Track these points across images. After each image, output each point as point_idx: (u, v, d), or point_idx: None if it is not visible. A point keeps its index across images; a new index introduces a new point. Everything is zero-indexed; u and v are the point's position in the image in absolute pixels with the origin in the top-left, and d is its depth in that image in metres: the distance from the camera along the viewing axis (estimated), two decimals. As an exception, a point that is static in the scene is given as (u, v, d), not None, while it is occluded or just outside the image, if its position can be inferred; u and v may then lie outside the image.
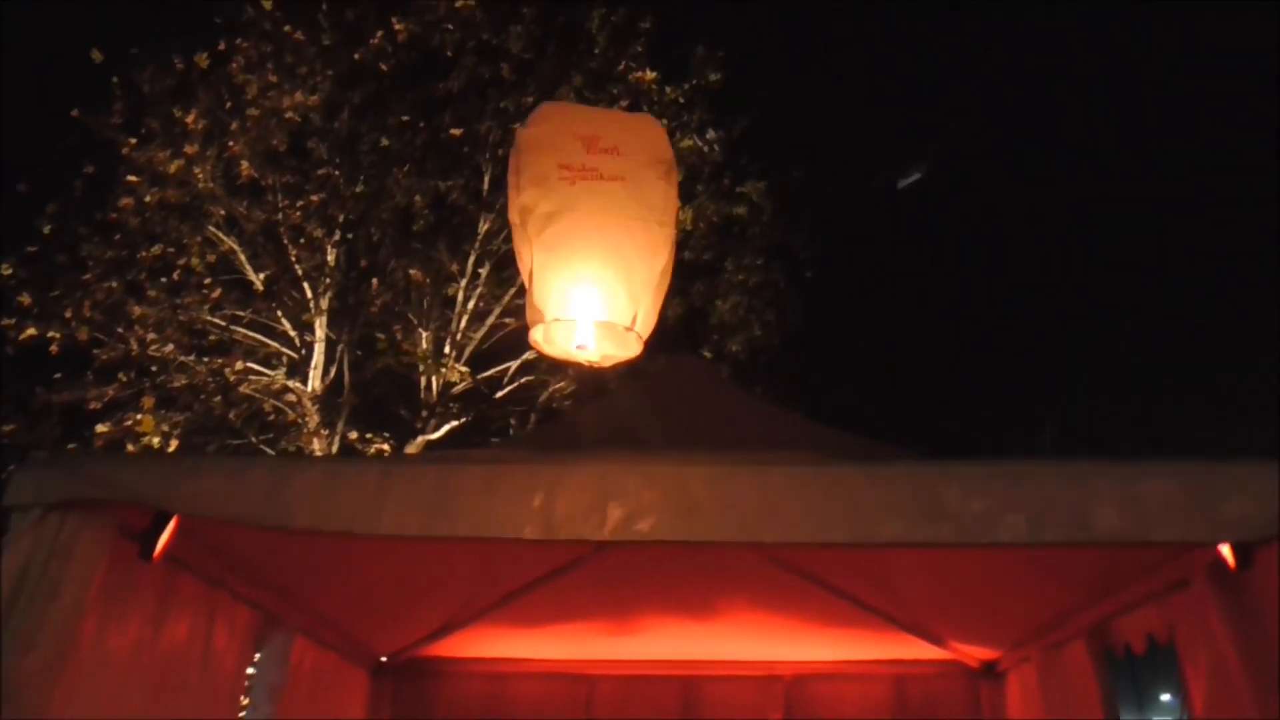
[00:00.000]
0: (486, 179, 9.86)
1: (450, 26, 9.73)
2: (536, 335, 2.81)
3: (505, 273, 10.00)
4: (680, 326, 10.00)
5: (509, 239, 9.82)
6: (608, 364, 2.88)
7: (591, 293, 2.68)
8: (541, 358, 9.97)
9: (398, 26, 9.77)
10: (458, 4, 9.75)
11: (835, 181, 10.59)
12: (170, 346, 9.10)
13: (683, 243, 10.08)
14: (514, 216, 2.76)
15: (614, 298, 2.68)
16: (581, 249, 2.65)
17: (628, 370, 9.70)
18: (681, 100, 10.31)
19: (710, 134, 10.13)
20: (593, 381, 9.41)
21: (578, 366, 2.95)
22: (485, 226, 9.86)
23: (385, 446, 9.60)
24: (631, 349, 2.83)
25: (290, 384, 9.40)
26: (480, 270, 9.93)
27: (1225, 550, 2.37)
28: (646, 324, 2.77)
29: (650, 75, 10.16)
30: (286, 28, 9.57)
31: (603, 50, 10.01)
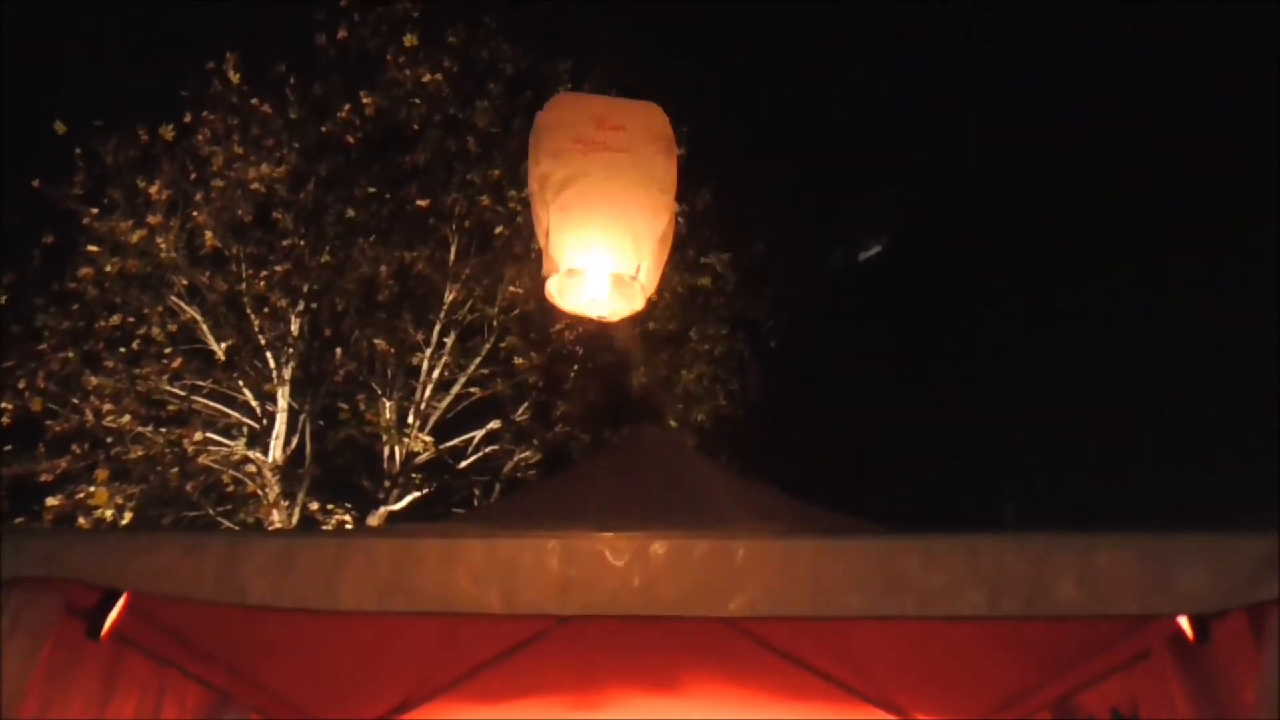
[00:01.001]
0: (452, 249, 9.91)
1: (417, 100, 9.86)
2: (551, 287, 3.18)
3: (470, 342, 10.01)
4: (645, 396, 10.02)
5: (474, 309, 9.97)
6: (614, 319, 3.23)
7: (601, 247, 3.03)
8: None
9: (365, 100, 9.88)
10: (425, 79, 9.90)
11: (796, 254, 10.75)
12: (127, 417, 8.95)
13: (648, 313, 10.16)
14: (533, 185, 3.13)
15: (621, 251, 3.03)
16: (593, 209, 3.01)
17: (592, 440, 9.69)
18: (646, 173, 10.46)
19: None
20: (556, 454, 9.39)
21: (587, 322, 3.46)
22: (451, 296, 9.87)
23: (347, 517, 9.46)
24: (636, 302, 3.18)
25: (250, 454, 9.27)
26: (445, 339, 9.93)
27: (1183, 623, 2.39)
28: (650, 278, 3.12)
29: (615, 149, 10.30)
30: (254, 101, 9.65)
31: (569, 124, 10.17)
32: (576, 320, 9.95)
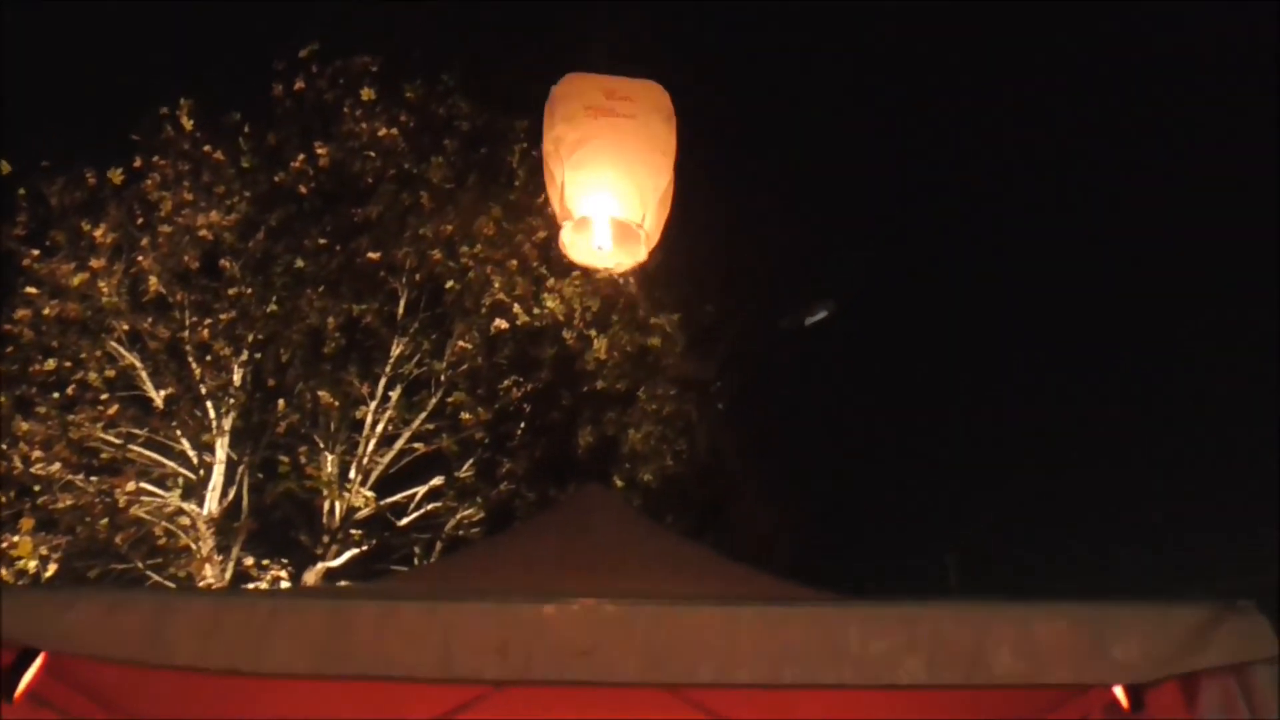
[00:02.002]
0: (402, 303, 9.86)
1: (372, 154, 9.88)
2: (565, 238, 3.53)
3: (416, 396, 9.91)
4: (592, 455, 9.98)
5: (421, 363, 9.90)
6: (619, 270, 3.70)
7: (610, 197, 3.41)
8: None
9: (320, 151, 9.88)
10: (381, 133, 9.94)
11: (747, 317, 10.87)
12: (57, 465, 8.66)
13: (596, 372, 10.17)
14: (548, 146, 3.48)
15: (627, 201, 3.41)
16: (603, 166, 3.39)
17: (537, 499, 9.60)
18: (599, 233, 10.55)
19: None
20: (500, 512, 9.29)
21: (593, 271, 3.75)
22: (398, 350, 9.80)
23: (283, 573, 9.22)
24: (639, 254, 3.54)
25: (185, 506, 9.03)
26: (391, 393, 9.82)
27: (1119, 692, 2.41)
28: (653, 229, 3.47)
29: (569, 207, 10.39)
30: (206, 148, 9.59)
31: (523, 183, 10.24)
32: (521, 377, 9.97)
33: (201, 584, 8.62)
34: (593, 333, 10.24)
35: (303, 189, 9.81)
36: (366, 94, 9.98)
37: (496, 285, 9.85)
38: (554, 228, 10.50)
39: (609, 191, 3.40)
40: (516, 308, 9.93)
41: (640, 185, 3.41)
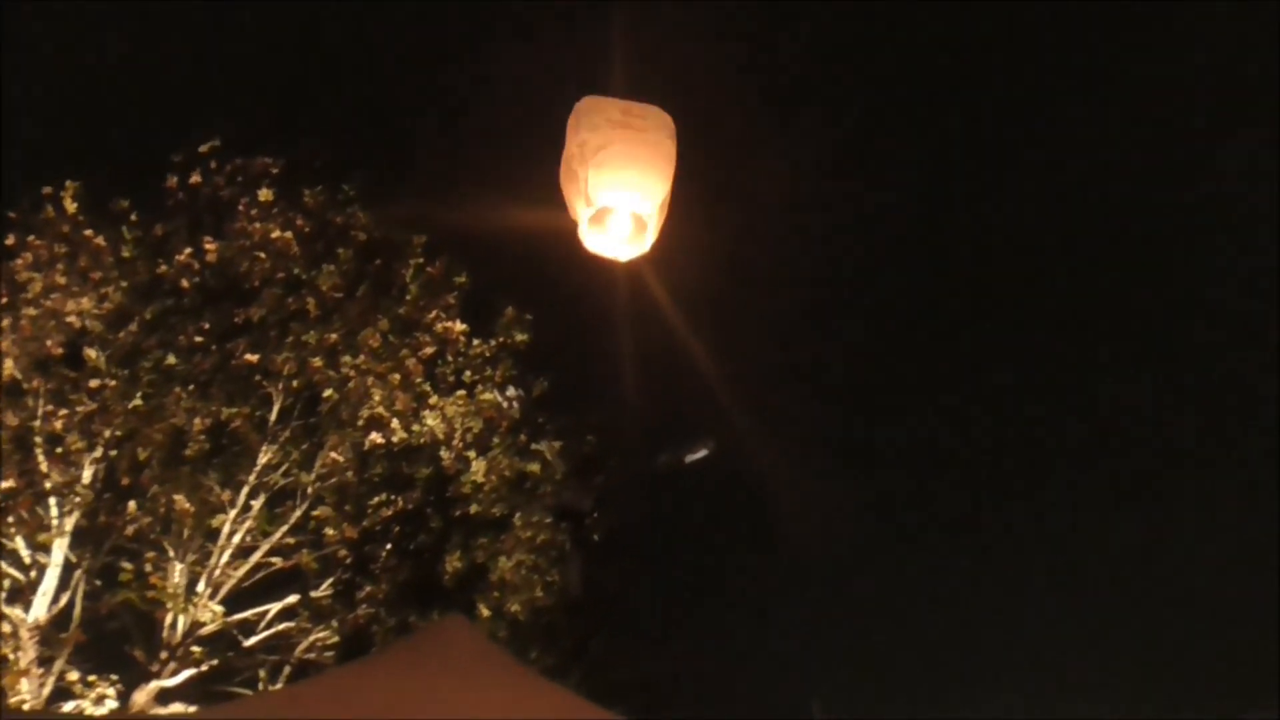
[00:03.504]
0: (275, 409, 9.54)
1: (262, 255, 9.69)
2: (582, 228, 4.20)
3: (279, 508, 9.50)
4: (459, 582, 9.68)
5: (289, 473, 9.52)
6: (623, 259, 4.24)
7: (627, 191, 4.13)
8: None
9: (208, 247, 9.66)
10: (274, 235, 9.79)
11: (627, 451, 10.89)
12: None
13: (471, 495, 9.96)
14: (573, 149, 4.14)
15: (640, 197, 4.12)
16: (622, 166, 4.10)
17: (397, 624, 9.22)
18: (487, 355, 10.52)
19: (511, 391, 10.31)
20: (356, 637, 8.88)
21: (607, 260, 4.33)
22: (266, 458, 9.41)
23: (110, 691, 8.54)
24: (643, 246, 4.24)
25: (8, 611, 8.32)
26: (253, 503, 9.38)
27: None
28: (654, 228, 4.20)
29: (460, 328, 10.36)
30: (88, 232, 9.28)
31: (414, 298, 10.18)
32: (392, 495, 9.67)
33: (14, 700, 7.88)
34: (472, 454, 10.07)
35: (185, 283, 9.53)
36: (264, 194, 9.86)
37: (376, 398, 9.64)
38: (441, 345, 10.45)
39: (627, 188, 4.13)
40: (395, 423, 9.71)
41: (651, 187, 4.14)
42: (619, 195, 4.13)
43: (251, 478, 9.35)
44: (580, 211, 4.15)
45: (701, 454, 8.10)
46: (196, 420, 9.15)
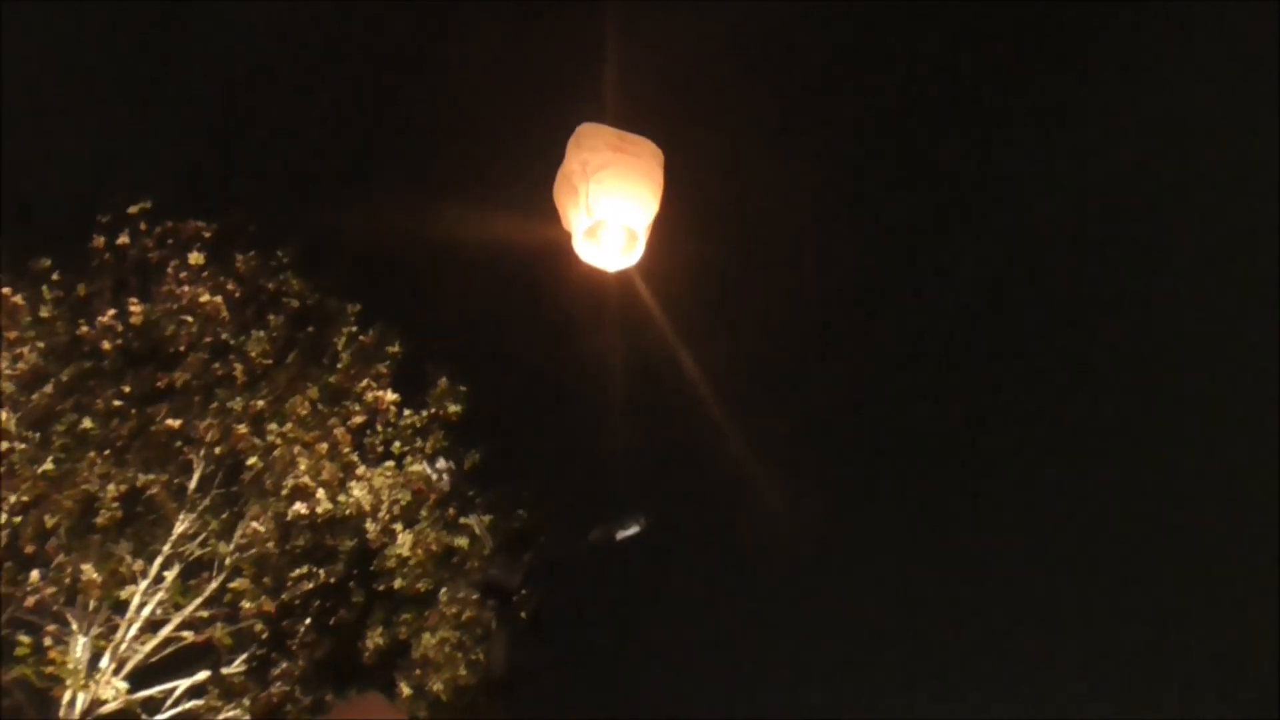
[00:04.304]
0: (195, 477, 9.25)
1: (189, 319, 9.50)
2: (577, 240, 4.55)
3: (194, 580, 9.15)
4: (380, 659, 9.37)
5: (206, 543, 9.19)
6: (612, 270, 4.61)
7: (623, 206, 4.52)
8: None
9: (133, 309, 9.45)
10: (203, 299, 9.61)
11: (558, 527, 10.75)
12: None
13: (396, 569, 9.72)
14: (574, 166, 4.51)
15: (634, 212, 4.53)
16: (616, 185, 4.51)
17: (312, 703, 8.88)
18: (418, 425, 10.37)
19: (441, 463, 10.15)
20: (269, 717, 8.52)
21: (600, 270, 4.65)
22: (182, 527, 9.09)
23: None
24: (632, 259, 4.64)
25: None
26: (166, 574, 9.03)
27: None
28: (644, 240, 4.60)
29: (391, 397, 10.22)
30: (5, 290, 9.02)
31: (346, 366, 10.04)
32: (314, 568, 9.37)
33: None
34: (398, 527, 9.84)
35: (106, 345, 9.28)
36: (195, 258, 9.71)
37: (302, 467, 9.41)
38: (372, 415, 10.27)
39: (624, 203, 4.56)
40: (320, 493, 9.47)
41: (644, 204, 4.59)
42: (616, 208, 4.59)
43: (166, 547, 9.02)
44: (577, 223, 4.58)
45: (634, 530, 8.04)
46: (110, 486, 8.83)
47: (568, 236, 4.60)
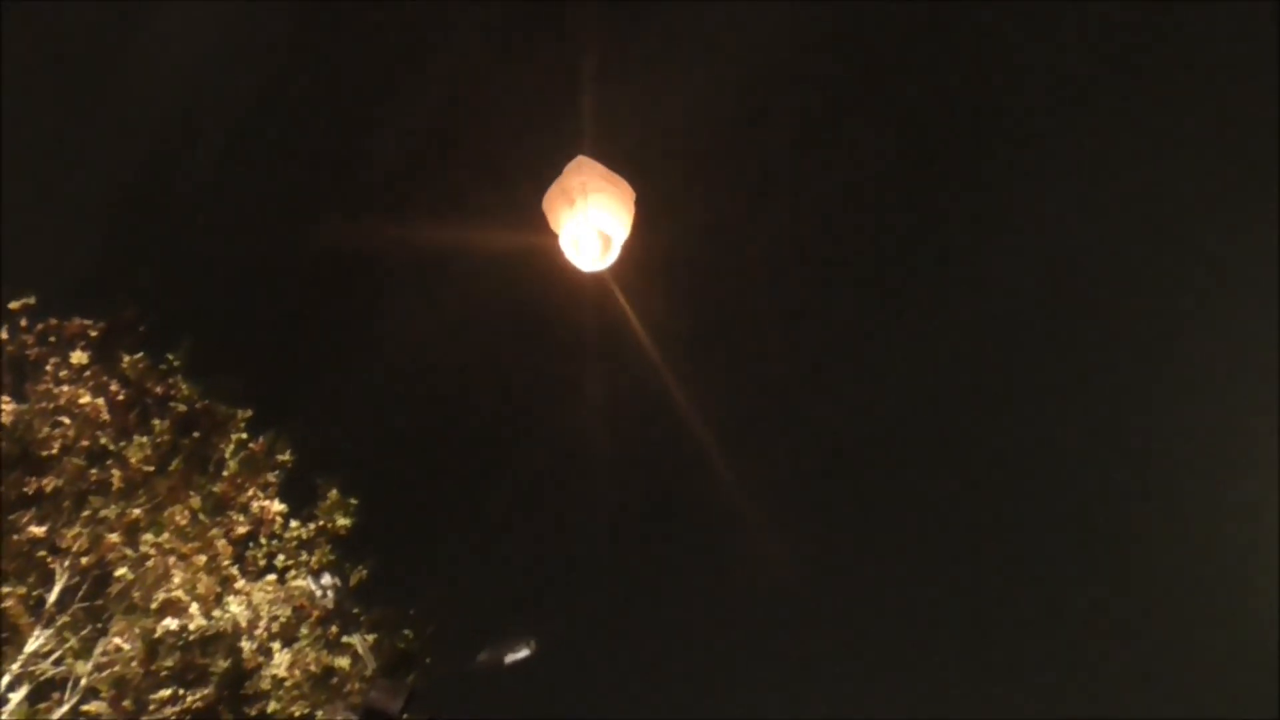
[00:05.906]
0: (56, 589, 8.66)
1: (66, 420, 9.07)
2: (566, 245, 6.10)
3: (44, 702, 8.47)
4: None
5: (60, 662, 8.54)
6: (593, 268, 6.11)
7: (611, 220, 6.01)
8: None
9: (4, 407, 8.98)
10: (83, 400, 9.20)
11: (444, 649, 10.39)
12: None
13: (271, 691, 9.19)
14: (573, 184, 5.97)
15: (619, 225, 6.04)
16: (604, 204, 5.99)
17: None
18: (305, 537, 9.99)
19: (326, 579, 9.75)
20: None
21: (585, 269, 6.18)
22: (36, 643, 8.44)
23: None
24: (608, 262, 6.11)
25: None
26: (11, 695, 8.32)
27: None
28: (617, 250, 6.10)
29: (277, 508, 9.85)
30: None
31: (232, 475, 9.67)
32: (182, 690, 8.77)
33: None
34: (276, 645, 9.36)
35: (-30, 446, 8.76)
36: (78, 357, 9.35)
37: (176, 580, 8.92)
38: (256, 526, 9.88)
39: (610, 218, 6.00)
40: (194, 608, 8.96)
41: (623, 224, 6.06)
42: (606, 220, 6.00)
43: (15, 666, 8.34)
44: (569, 228, 5.98)
45: (523, 654, 7.83)
46: (-40, 598, 8.20)
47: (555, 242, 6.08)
